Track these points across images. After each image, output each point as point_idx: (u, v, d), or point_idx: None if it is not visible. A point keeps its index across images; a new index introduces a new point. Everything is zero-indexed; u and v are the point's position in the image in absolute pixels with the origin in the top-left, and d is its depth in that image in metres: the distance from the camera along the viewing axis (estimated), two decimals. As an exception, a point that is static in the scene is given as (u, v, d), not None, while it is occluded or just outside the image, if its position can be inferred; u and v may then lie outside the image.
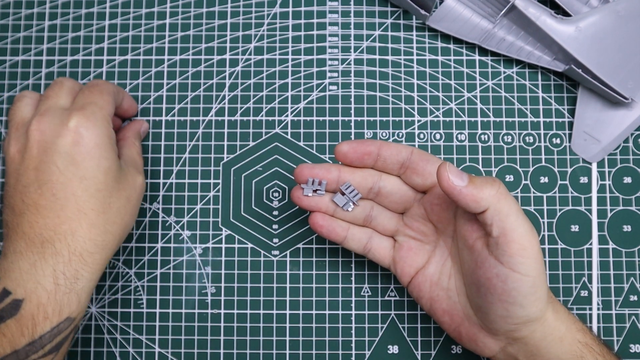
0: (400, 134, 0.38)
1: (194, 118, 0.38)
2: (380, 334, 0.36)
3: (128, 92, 0.36)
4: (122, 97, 0.35)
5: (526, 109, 0.38)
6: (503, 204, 0.26)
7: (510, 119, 0.38)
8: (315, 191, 0.31)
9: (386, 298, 0.36)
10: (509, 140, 0.38)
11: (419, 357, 0.36)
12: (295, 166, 0.37)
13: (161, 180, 0.38)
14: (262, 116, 0.38)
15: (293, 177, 0.31)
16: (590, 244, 0.37)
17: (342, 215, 0.31)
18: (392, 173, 0.31)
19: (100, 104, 0.31)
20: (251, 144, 0.38)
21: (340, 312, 0.36)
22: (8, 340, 0.26)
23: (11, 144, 0.30)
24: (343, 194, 0.31)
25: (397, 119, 0.38)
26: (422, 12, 0.37)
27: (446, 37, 0.39)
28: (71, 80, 0.33)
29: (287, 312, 0.36)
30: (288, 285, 0.37)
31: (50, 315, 0.27)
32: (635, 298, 0.36)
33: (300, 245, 0.37)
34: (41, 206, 0.28)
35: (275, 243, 0.37)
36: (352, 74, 0.39)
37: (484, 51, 0.39)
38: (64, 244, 0.28)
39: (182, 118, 0.38)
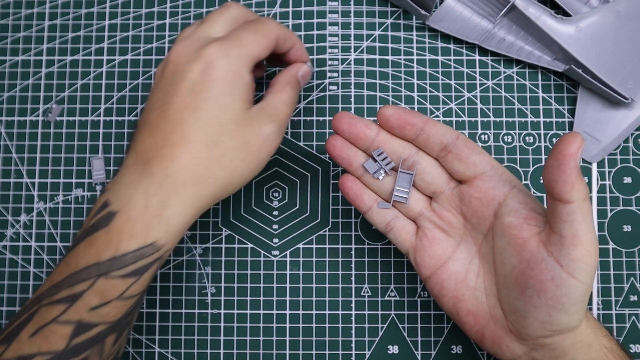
0: (400, 134, 0.38)
1: (194, 118, 0.38)
2: (380, 334, 0.36)
3: (301, 42, 0.33)
4: (289, 45, 0.31)
5: (526, 109, 0.38)
6: (587, 205, 0.25)
7: (510, 119, 0.38)
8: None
9: (386, 298, 0.36)
10: (509, 140, 0.38)
11: (419, 357, 0.36)
12: (295, 166, 0.37)
13: (161, 180, 0.37)
14: (262, 116, 0.38)
15: (332, 122, 0.30)
16: (590, 244, 0.37)
17: (369, 183, 0.31)
18: (431, 154, 0.30)
19: (246, 42, 0.29)
20: (251, 144, 0.38)
21: (340, 312, 0.36)
22: (94, 250, 0.26)
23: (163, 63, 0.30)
24: (375, 160, 0.30)
25: (397, 119, 0.38)
26: (422, 12, 0.37)
27: (446, 37, 0.39)
28: (239, 8, 0.30)
29: (287, 312, 0.36)
30: (288, 285, 0.37)
31: (136, 234, 0.26)
32: (635, 298, 0.36)
33: (300, 245, 0.37)
34: (155, 126, 0.28)
35: (275, 243, 0.37)
36: (352, 74, 0.39)
37: (484, 51, 0.39)
38: (161, 167, 0.27)
39: (182, 118, 0.38)
